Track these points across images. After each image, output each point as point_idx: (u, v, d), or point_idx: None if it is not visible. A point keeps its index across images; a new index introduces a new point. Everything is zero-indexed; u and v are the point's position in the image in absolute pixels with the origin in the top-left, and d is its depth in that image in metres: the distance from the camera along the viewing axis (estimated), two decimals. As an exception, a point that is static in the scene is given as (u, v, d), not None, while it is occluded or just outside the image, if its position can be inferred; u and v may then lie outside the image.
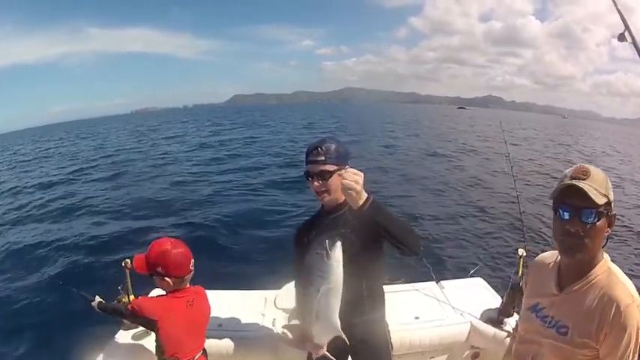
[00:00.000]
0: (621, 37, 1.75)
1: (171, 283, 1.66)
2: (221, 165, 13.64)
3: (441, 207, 7.90)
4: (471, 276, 2.69)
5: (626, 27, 1.72)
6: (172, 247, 1.65)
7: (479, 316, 2.17)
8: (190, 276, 1.71)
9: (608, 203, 1.02)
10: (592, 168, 1.05)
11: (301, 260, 1.31)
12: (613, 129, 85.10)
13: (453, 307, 2.26)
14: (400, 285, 2.49)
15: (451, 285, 2.50)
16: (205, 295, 1.81)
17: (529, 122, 60.39)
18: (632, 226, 6.98)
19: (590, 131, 52.34)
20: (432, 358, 2.21)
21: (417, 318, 2.18)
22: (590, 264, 1.07)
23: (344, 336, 1.29)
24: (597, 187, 1.01)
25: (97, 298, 1.89)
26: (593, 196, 0.99)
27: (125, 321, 2.06)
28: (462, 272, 2.81)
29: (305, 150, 1.49)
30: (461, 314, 2.21)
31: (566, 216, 1.03)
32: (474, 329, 2.13)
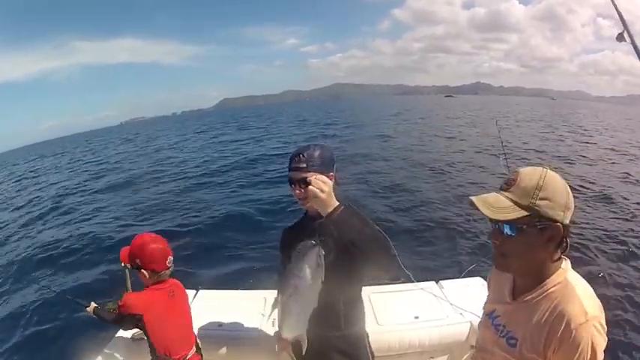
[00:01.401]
0: (620, 37, 1.73)
1: (147, 276, 1.70)
2: (224, 167, 13.50)
3: (440, 206, 7.71)
4: (469, 274, 2.70)
5: (625, 27, 1.71)
6: (151, 242, 1.71)
7: (479, 316, 2.19)
8: (167, 273, 1.75)
9: (536, 215, 0.91)
10: (524, 176, 0.94)
11: (285, 262, 1.30)
12: (604, 107, 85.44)
13: (453, 307, 2.26)
14: (400, 285, 2.50)
15: (451, 285, 2.50)
16: (182, 287, 1.86)
17: (520, 107, 60.50)
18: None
19: (583, 111, 52.42)
20: (431, 358, 2.22)
21: (416, 318, 2.19)
22: (542, 274, 0.98)
23: (305, 341, 1.30)
24: (517, 198, 0.92)
25: (92, 304, 1.90)
26: (494, 212, 0.92)
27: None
28: (461, 272, 2.83)
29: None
30: (461, 314, 2.21)
31: (493, 226, 0.98)
32: (474, 329, 2.13)
